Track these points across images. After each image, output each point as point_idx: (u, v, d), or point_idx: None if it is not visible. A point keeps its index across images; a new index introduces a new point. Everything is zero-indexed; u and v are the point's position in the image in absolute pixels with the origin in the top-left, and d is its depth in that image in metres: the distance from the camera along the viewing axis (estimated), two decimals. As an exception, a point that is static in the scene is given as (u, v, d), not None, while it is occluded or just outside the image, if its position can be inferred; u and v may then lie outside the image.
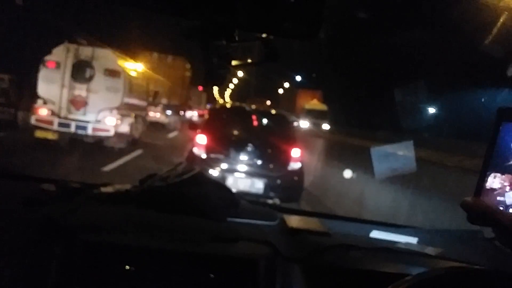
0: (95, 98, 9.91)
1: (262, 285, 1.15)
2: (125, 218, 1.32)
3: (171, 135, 16.60)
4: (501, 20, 3.17)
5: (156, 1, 0.83)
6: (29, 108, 9.99)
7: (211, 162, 5.68)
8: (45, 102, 9.76)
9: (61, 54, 9.89)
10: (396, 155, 5.68)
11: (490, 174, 0.61)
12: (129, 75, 10.79)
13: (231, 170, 5.68)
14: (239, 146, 5.79)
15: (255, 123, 6.45)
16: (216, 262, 1.17)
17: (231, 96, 56.93)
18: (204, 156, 5.74)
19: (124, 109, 10.46)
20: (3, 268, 1.03)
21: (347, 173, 7.06)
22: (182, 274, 1.14)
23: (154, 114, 17.34)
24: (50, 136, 9.49)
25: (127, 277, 1.12)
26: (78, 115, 9.84)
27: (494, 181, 0.60)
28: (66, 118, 9.74)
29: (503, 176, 0.60)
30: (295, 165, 5.92)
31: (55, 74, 9.80)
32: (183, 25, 0.88)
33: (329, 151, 9.33)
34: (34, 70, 9.91)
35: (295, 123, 17.25)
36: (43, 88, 9.81)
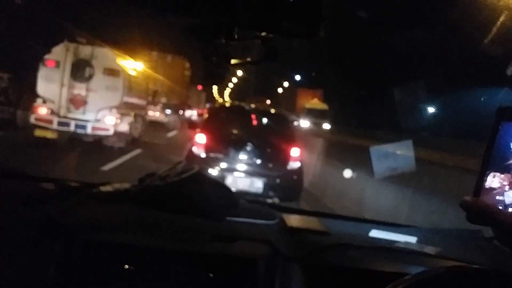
0: (95, 97, 9.89)
1: (262, 284, 1.15)
2: (125, 217, 1.32)
3: (171, 134, 16.60)
4: (500, 19, 3.17)
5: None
6: (29, 107, 9.98)
7: (211, 161, 5.67)
8: (44, 101, 9.74)
9: (60, 53, 9.87)
10: (396, 155, 5.69)
11: (489, 173, 0.61)
12: (129, 74, 10.77)
13: (231, 169, 5.67)
14: (239, 145, 5.77)
15: (255, 122, 6.43)
16: (216, 261, 1.17)
17: (230, 95, 56.81)
18: (203, 155, 5.73)
19: (123, 108, 10.44)
20: (3, 267, 1.03)
21: (347, 173, 7.05)
22: (181, 273, 1.14)
23: (154, 113, 17.34)
24: (50, 135, 9.47)
25: (127, 276, 1.12)
26: (77, 114, 9.82)
27: (493, 180, 0.60)
28: (65, 117, 9.72)
29: (502, 175, 0.60)
30: (294, 165, 5.91)
31: (54, 73, 9.78)
32: (183, 24, 0.88)
33: (328, 150, 9.32)
34: (33, 69, 9.88)
35: (295, 123, 17.23)
36: (42, 87, 9.79)
